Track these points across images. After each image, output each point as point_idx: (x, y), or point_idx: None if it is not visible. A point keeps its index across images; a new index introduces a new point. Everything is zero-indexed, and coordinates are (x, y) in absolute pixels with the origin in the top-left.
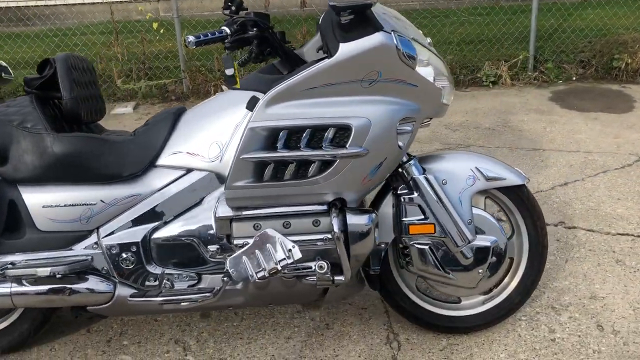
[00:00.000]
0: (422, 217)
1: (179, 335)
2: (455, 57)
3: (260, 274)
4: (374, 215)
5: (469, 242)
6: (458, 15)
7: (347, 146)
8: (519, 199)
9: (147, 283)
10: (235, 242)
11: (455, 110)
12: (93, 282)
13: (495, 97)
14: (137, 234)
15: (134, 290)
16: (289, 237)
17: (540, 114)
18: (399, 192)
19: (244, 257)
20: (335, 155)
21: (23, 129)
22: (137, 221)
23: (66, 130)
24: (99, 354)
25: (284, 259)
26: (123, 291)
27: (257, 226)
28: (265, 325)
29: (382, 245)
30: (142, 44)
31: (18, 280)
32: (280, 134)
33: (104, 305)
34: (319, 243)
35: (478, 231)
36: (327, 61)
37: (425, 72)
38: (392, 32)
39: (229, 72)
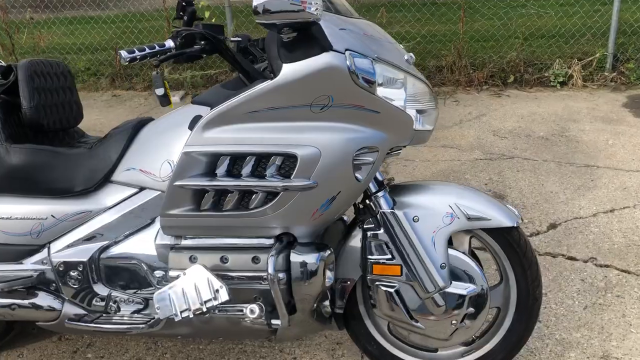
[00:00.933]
0: (389, 256)
1: (142, 353)
2: (522, 53)
3: (184, 314)
4: (326, 252)
5: (441, 289)
6: (530, 6)
7: (292, 177)
8: (508, 243)
9: (93, 303)
10: (170, 273)
11: (510, 114)
12: (41, 299)
13: (560, 100)
14: (85, 252)
15: (79, 311)
16: (228, 273)
17: (606, 122)
18: (365, 226)
19: (170, 293)
20: (279, 186)
21: None
22: (87, 239)
23: (30, 138)
24: None
25: (210, 299)
26: (70, 310)
27: (193, 258)
28: (231, 351)
29: (348, 283)
30: None
31: None
32: (220, 160)
33: (51, 323)
34: (255, 283)
35: (457, 276)
36: (268, 83)
37: (394, 95)
38: (345, 52)
39: (159, 91)
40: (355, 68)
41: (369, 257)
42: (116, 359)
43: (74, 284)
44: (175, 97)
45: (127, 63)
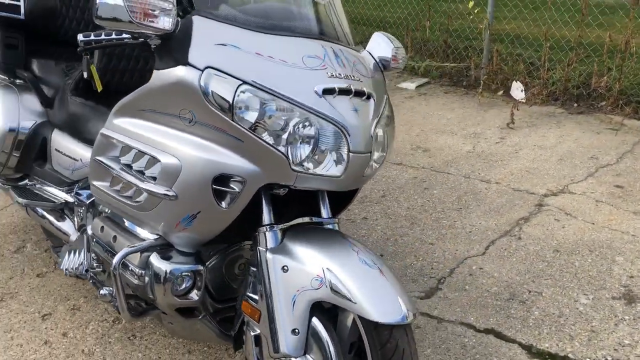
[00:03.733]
0: (257, 297)
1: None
2: None
3: (68, 272)
4: (188, 266)
5: (287, 357)
6: None
7: (154, 183)
8: (375, 340)
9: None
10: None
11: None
12: (63, 222)
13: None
14: (89, 197)
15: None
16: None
17: None
18: (250, 258)
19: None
20: (143, 188)
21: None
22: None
23: (93, 94)
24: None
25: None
26: (73, 238)
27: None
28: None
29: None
30: (447, 20)
31: (34, 197)
32: (120, 147)
33: (64, 244)
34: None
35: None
36: (144, 85)
37: (268, 126)
38: (205, 69)
39: (85, 75)
40: (210, 88)
41: (246, 291)
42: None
43: (80, 219)
44: (411, 84)
45: (82, 47)
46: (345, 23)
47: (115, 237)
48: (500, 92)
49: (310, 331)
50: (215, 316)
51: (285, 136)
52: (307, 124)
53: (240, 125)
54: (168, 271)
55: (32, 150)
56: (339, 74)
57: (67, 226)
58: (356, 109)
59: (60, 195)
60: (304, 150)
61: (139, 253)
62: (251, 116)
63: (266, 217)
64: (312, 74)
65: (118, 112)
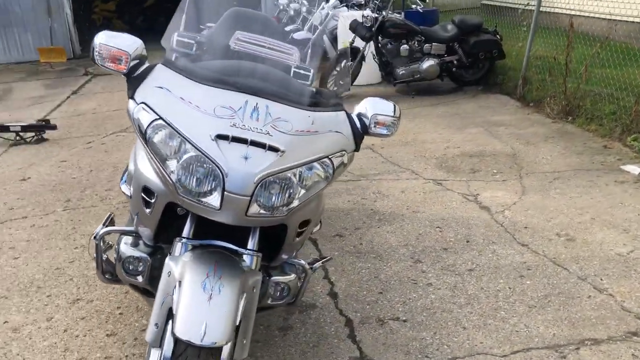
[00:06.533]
0: None
1: None
2: None
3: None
4: (134, 252)
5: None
6: None
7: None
8: (175, 353)
9: None
10: None
11: None
12: None
13: None
14: None
15: None
16: None
17: None
18: None
19: None
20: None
21: None
22: None
23: None
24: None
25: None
26: None
27: None
28: None
29: None
30: None
31: None
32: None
33: None
34: None
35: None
36: None
37: (169, 156)
38: (139, 104)
39: None
40: (135, 118)
41: None
42: None
43: None
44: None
45: None
46: (304, 88)
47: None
48: None
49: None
50: None
51: (177, 166)
52: (196, 161)
53: (150, 151)
54: (121, 252)
55: None
56: (244, 125)
57: None
58: (247, 157)
59: None
60: (190, 181)
61: (119, 233)
62: (156, 145)
63: (185, 230)
64: (214, 121)
65: None
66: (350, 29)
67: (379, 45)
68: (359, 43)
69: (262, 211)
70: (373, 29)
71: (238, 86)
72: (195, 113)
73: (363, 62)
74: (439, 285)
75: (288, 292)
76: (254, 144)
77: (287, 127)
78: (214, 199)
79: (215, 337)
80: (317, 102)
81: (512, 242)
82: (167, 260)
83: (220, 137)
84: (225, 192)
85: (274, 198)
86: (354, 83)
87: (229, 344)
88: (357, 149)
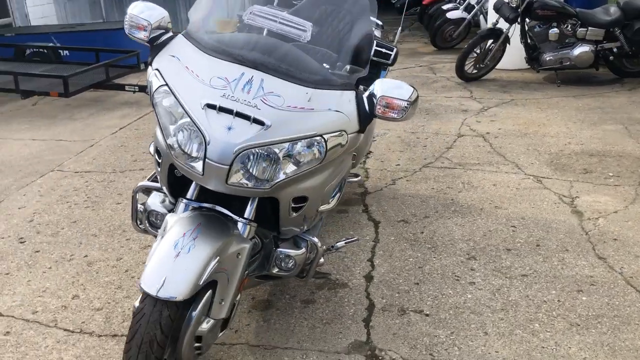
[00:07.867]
0: None
1: None
2: None
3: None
4: (158, 208)
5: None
6: None
7: None
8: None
9: None
10: None
11: None
12: None
13: None
14: None
15: None
16: None
17: None
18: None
19: None
20: None
21: None
22: None
23: None
24: None
25: None
26: None
27: None
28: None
29: None
30: None
31: None
32: None
33: None
34: None
35: None
36: None
37: (166, 118)
38: (154, 70)
39: None
40: (148, 81)
41: None
42: None
43: None
44: None
45: None
46: (315, 66)
47: None
48: None
49: None
50: None
51: (173, 130)
52: (188, 127)
53: (156, 113)
54: (147, 206)
55: None
56: (233, 96)
57: None
58: (230, 127)
59: None
60: (180, 146)
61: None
62: (160, 109)
63: (189, 192)
64: (208, 91)
65: None
66: (494, 9)
67: (526, 27)
68: (503, 24)
69: (243, 181)
70: (519, 9)
71: (239, 58)
72: (193, 81)
73: (507, 44)
74: (481, 285)
75: (294, 265)
76: (240, 115)
77: (279, 101)
78: (199, 165)
79: (171, 292)
80: (327, 81)
81: (589, 253)
82: (167, 215)
83: (209, 106)
84: (206, 159)
85: (254, 170)
86: (497, 66)
87: (202, 302)
88: (362, 130)
